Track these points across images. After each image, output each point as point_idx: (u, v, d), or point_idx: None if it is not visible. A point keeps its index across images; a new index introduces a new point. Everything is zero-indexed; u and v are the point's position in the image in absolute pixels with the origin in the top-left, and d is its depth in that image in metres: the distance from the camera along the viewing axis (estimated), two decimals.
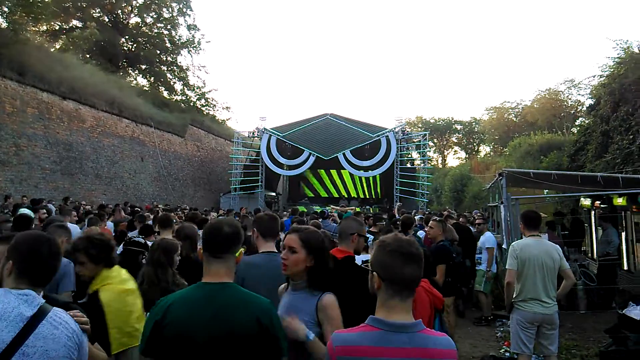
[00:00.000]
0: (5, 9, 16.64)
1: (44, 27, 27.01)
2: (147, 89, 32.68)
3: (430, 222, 6.15)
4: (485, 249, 8.19)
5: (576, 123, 36.12)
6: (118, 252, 4.58)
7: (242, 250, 2.34)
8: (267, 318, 2.06)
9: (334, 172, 29.86)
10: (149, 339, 2.04)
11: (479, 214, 12.21)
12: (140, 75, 35.14)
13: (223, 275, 2.14)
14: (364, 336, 1.73)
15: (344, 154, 25.62)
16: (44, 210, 8.46)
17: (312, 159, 25.84)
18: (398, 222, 8.22)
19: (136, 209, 11.68)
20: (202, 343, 1.98)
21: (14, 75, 15.79)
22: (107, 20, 32.03)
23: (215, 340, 1.97)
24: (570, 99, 40.00)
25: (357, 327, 1.79)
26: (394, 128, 26.49)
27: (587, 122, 22.03)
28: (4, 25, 16.96)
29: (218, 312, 2.01)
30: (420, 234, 8.26)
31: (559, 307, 4.88)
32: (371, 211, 21.59)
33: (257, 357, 2.02)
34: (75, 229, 6.46)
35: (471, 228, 9.78)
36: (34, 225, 5.71)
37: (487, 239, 8.35)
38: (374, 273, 1.82)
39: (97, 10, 31.49)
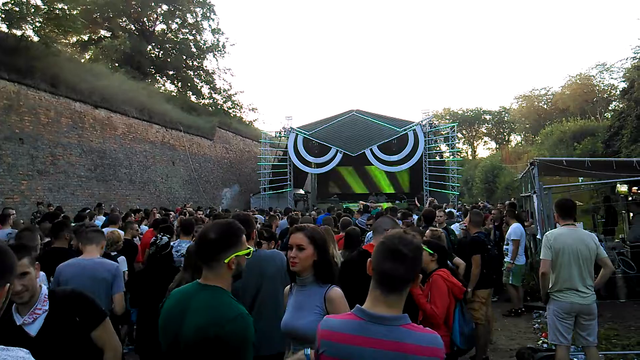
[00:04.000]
0: (37, 23, 17.15)
1: (74, 39, 27.77)
2: (175, 94, 33.26)
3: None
4: (511, 241, 8.05)
5: (610, 108, 35.15)
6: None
7: (238, 254, 2.10)
8: (227, 327, 1.92)
9: (361, 168, 29.82)
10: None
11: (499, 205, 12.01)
12: (168, 81, 35.77)
13: (211, 280, 2.08)
14: (346, 324, 1.79)
15: (371, 150, 25.55)
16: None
17: (339, 156, 25.87)
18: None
19: (169, 212, 11.92)
20: (170, 339, 2.06)
21: (47, 87, 16.29)
22: (133, 28, 32.72)
23: (178, 338, 2.02)
24: (602, 83, 38.93)
25: (345, 314, 1.85)
26: (421, 121, 26.24)
27: (621, 106, 21.45)
28: (36, 39, 17.50)
29: (184, 312, 2.03)
30: (455, 227, 8.21)
31: (598, 296, 4.78)
32: (400, 206, 21.47)
33: None
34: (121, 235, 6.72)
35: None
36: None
37: (511, 230, 8.18)
38: (369, 260, 1.87)
39: (124, 20, 32.20)
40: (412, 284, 1.82)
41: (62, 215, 9.02)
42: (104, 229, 5.49)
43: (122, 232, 6.85)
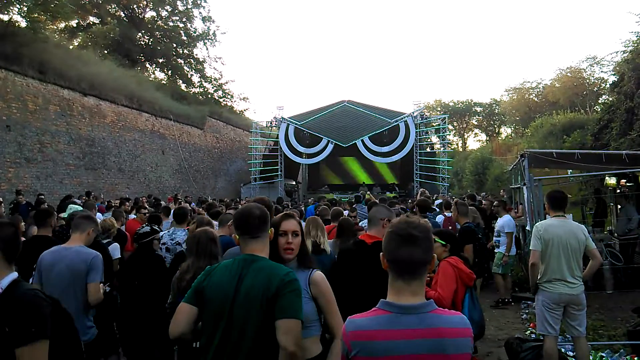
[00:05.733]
0: (24, 8, 16.86)
1: (62, 25, 27.36)
2: (165, 82, 32.97)
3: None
4: (505, 233, 8.08)
5: (599, 101, 35.25)
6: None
7: (272, 230, 2.49)
8: (282, 281, 2.23)
9: (352, 159, 29.83)
10: (194, 295, 2.34)
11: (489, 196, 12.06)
12: (158, 69, 35.46)
13: (259, 251, 2.38)
14: (375, 320, 1.74)
15: (362, 141, 25.55)
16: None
17: (330, 147, 25.85)
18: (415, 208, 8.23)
19: (160, 202, 11.85)
20: (227, 300, 2.24)
21: (35, 73, 16.03)
22: (123, 15, 32.31)
23: (237, 298, 2.23)
24: (592, 76, 38.97)
25: (370, 311, 1.80)
26: (413, 112, 26.28)
27: (610, 99, 21.51)
28: (24, 24, 17.20)
29: (242, 275, 2.28)
30: (439, 218, 8.22)
31: (586, 288, 4.81)
32: (389, 196, 21.52)
33: (272, 316, 2.19)
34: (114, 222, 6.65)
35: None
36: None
37: (505, 222, 8.21)
38: (381, 254, 1.85)
39: (113, 6, 31.76)
40: (428, 267, 1.82)
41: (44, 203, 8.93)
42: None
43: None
